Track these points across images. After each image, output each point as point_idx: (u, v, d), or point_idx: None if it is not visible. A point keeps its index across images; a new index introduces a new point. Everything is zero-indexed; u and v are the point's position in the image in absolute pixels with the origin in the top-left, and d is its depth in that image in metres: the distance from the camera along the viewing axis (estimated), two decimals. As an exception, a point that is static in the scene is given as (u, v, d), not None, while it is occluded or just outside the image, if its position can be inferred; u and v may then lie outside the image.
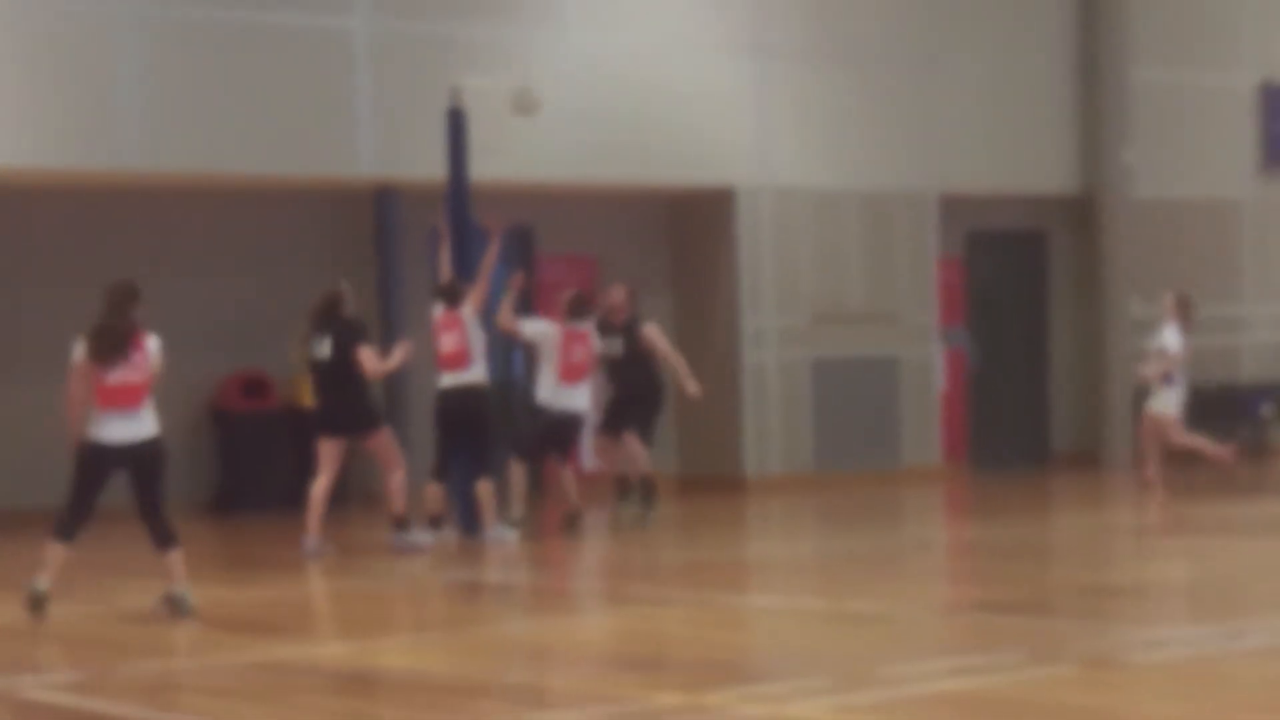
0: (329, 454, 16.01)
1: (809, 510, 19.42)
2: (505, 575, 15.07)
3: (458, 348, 16.25)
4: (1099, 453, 23.77)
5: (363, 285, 20.33)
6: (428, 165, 18.07)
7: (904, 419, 22.41)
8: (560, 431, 17.08)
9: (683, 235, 22.21)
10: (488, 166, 18.10)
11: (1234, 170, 24.95)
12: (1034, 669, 9.81)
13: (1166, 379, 19.34)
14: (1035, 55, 23.52)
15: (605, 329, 17.68)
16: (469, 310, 16.32)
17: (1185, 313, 19.47)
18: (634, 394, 17.63)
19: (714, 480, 20.95)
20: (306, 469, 19.90)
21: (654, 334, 17.85)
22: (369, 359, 15.70)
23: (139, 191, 19.45)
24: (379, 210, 20.23)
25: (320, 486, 15.93)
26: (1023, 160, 23.44)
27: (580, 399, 17.09)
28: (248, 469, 19.81)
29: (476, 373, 16.32)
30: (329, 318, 15.88)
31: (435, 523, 16.29)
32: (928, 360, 22.62)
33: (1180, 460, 20.12)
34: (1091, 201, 23.86)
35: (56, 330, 19.15)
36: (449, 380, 16.35)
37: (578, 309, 17.25)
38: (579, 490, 17.59)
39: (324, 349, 15.84)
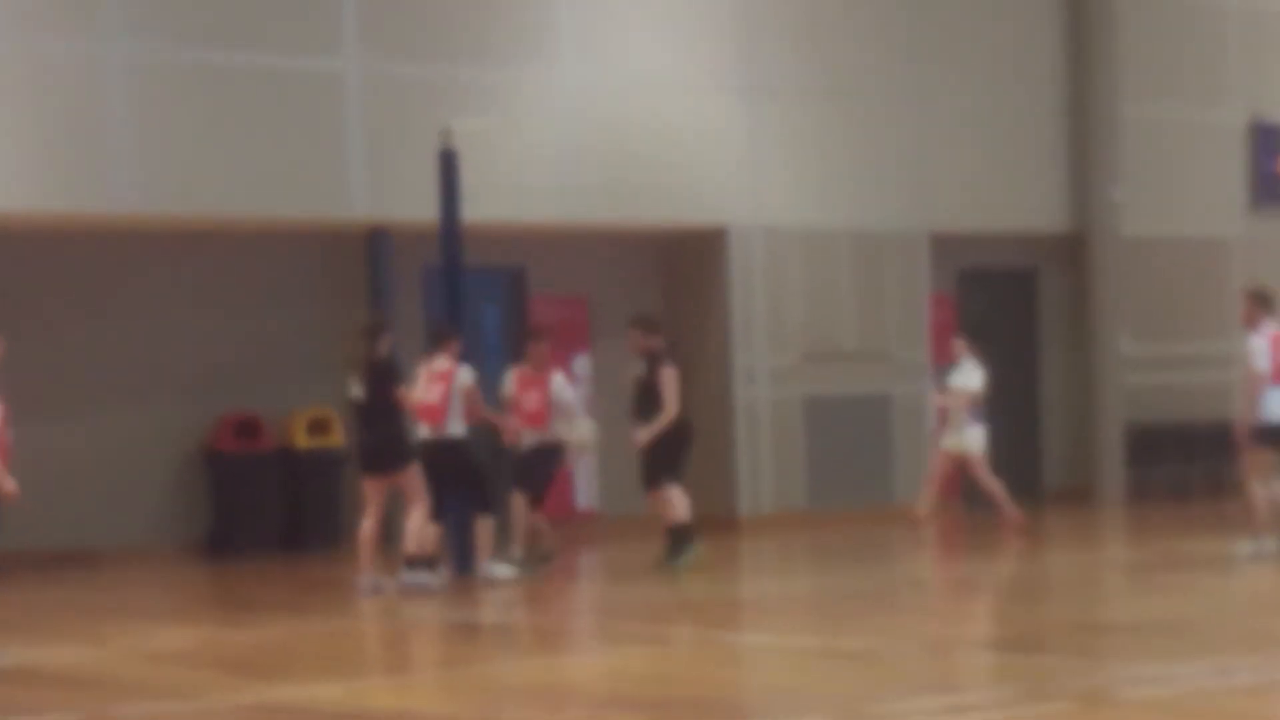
0: (372, 492, 16.09)
1: (802, 548, 19.40)
2: (499, 614, 15.06)
3: (438, 403, 16.21)
4: (1091, 489, 23.80)
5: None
6: (420, 206, 18.08)
7: (896, 456, 22.44)
8: (554, 463, 17.23)
9: (674, 274, 22.24)
10: (479, 207, 18.14)
11: (1223, 207, 25.01)
12: (1027, 706, 9.82)
13: (973, 416, 19.77)
14: (1025, 93, 23.60)
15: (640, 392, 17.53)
16: (466, 377, 16.25)
17: (976, 353, 20.09)
18: (659, 438, 17.09)
19: (707, 519, 20.92)
20: (298, 510, 19.98)
21: (667, 378, 17.42)
22: (405, 395, 15.87)
23: (132, 234, 19.45)
24: (371, 251, 20.24)
25: (367, 526, 16.00)
26: (1013, 198, 23.50)
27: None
28: (240, 510, 19.77)
29: (453, 428, 16.29)
30: (363, 356, 15.96)
31: (431, 563, 16.24)
32: (920, 398, 22.65)
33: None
34: (1082, 239, 23.92)
35: (49, 373, 19.22)
36: (427, 432, 16.35)
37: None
38: (568, 531, 17.64)
39: (358, 389, 15.94)
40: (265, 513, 19.87)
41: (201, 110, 18.63)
